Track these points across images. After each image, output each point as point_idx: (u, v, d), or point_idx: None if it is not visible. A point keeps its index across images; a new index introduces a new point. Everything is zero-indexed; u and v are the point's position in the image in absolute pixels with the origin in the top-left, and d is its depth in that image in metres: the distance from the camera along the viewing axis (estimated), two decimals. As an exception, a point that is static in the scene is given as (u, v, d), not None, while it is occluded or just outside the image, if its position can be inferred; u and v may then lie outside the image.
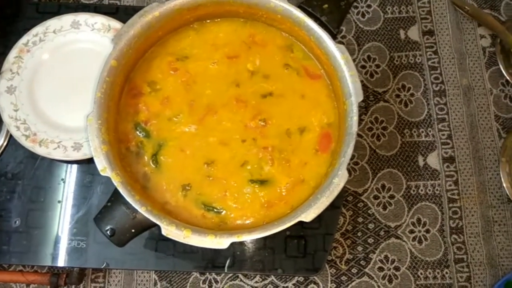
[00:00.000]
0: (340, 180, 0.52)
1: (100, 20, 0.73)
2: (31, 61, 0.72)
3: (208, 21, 0.62)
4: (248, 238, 0.50)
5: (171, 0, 0.56)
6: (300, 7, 0.57)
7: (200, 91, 0.60)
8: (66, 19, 0.73)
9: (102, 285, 0.78)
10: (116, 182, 0.50)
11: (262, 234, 0.50)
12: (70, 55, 0.73)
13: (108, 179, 0.52)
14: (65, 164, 0.71)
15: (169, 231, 0.50)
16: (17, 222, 0.69)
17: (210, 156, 0.58)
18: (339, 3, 0.58)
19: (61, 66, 0.73)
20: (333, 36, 0.57)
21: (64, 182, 0.70)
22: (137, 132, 0.59)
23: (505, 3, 0.93)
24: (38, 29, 0.73)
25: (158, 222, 0.50)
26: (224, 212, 0.57)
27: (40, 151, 0.68)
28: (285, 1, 0.57)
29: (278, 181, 0.58)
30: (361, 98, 0.53)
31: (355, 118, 0.53)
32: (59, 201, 0.69)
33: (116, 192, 0.52)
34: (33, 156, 0.70)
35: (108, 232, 0.52)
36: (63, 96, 0.71)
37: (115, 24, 0.72)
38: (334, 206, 0.69)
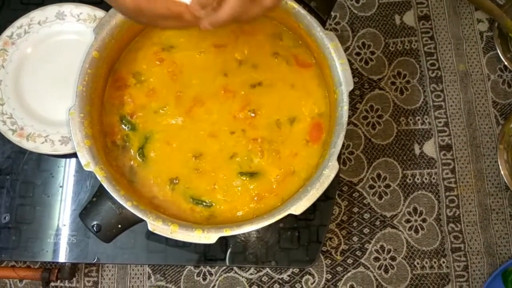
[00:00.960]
0: (330, 171, 0.50)
1: (85, 10, 0.71)
2: (16, 53, 0.71)
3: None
4: (237, 232, 0.49)
5: (154, -12, 0.54)
6: (288, -8, 0.55)
7: (186, 82, 0.58)
8: (51, 10, 0.72)
9: (95, 279, 0.77)
10: (100, 177, 0.49)
11: (251, 228, 0.49)
12: (56, 47, 0.72)
13: (97, 173, 0.51)
14: (53, 158, 0.70)
15: (156, 226, 0.49)
16: (6, 217, 0.68)
17: (198, 149, 0.57)
18: (329, -12, 0.56)
19: (47, 59, 0.71)
20: (323, 23, 0.55)
21: (53, 177, 0.69)
22: (123, 125, 0.57)
23: (503, -15, 0.91)
24: (23, 21, 0.71)
25: (144, 217, 0.49)
26: (213, 205, 0.56)
27: (28, 145, 0.67)
28: (272, -14, 0.55)
29: (268, 173, 0.57)
30: (351, 87, 0.52)
31: (346, 108, 0.52)
32: (48, 196, 0.69)
33: (101, 187, 0.51)
34: (21, 151, 0.69)
35: (94, 228, 0.51)
36: (50, 89, 0.70)
37: (101, 14, 0.71)
38: (327, 197, 0.69)
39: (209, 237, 0.49)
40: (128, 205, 0.49)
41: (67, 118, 0.63)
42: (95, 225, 0.51)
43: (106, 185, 0.49)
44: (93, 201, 0.52)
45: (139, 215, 0.49)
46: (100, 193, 0.51)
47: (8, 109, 0.69)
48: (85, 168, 0.50)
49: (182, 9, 0.40)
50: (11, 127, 0.68)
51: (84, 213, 0.52)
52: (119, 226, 0.51)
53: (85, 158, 0.50)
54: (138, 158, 0.56)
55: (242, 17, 0.40)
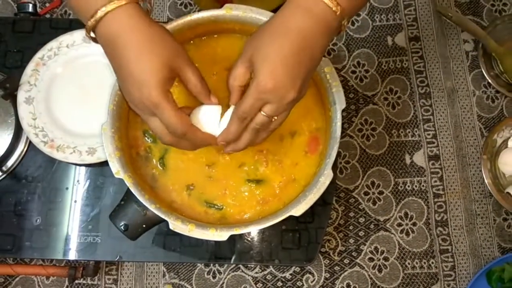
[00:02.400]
0: (325, 178, 0.57)
1: None
2: (47, 73, 0.77)
3: (206, 37, 0.68)
4: (245, 231, 0.56)
5: (173, 21, 0.62)
6: (289, 24, 0.63)
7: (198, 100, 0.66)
8: (78, 34, 0.78)
9: (115, 277, 0.84)
10: (129, 183, 0.57)
11: (257, 228, 0.56)
12: (83, 68, 0.78)
13: (120, 180, 0.57)
14: (80, 167, 0.77)
15: (176, 225, 0.56)
16: (38, 220, 0.74)
17: (211, 159, 0.64)
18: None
19: (75, 78, 0.78)
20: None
21: (79, 184, 0.76)
22: (146, 138, 0.65)
23: (487, 9, 0.99)
24: (52, 44, 0.78)
25: (166, 218, 0.56)
26: (224, 208, 0.63)
27: (58, 155, 0.73)
28: (276, 19, 0.63)
29: (272, 180, 0.63)
30: (343, 105, 0.59)
31: (339, 124, 0.59)
32: (75, 201, 0.75)
33: (128, 192, 0.58)
34: (51, 160, 0.75)
35: (122, 227, 0.58)
36: (77, 105, 0.77)
37: None
38: (325, 202, 0.75)
39: (221, 235, 0.56)
40: (152, 208, 0.56)
41: (95, 131, 0.72)
42: (123, 225, 0.58)
43: (133, 190, 0.56)
44: (121, 204, 0.59)
45: (162, 216, 0.56)
46: (127, 197, 0.59)
47: (40, 123, 0.76)
48: (116, 176, 0.57)
49: (212, 141, 0.54)
50: (42, 139, 0.75)
51: (113, 214, 0.59)
52: (144, 226, 0.58)
53: (115, 167, 0.57)
54: (159, 167, 0.64)
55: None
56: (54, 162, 0.76)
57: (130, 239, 0.59)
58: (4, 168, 0.76)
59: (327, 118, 0.64)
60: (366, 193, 0.90)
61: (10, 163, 0.77)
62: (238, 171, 0.64)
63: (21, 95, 0.76)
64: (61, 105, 0.77)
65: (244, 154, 0.64)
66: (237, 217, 0.63)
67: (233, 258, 0.73)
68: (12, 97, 0.77)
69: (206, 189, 0.63)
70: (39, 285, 0.84)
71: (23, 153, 0.77)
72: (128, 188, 0.57)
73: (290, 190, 0.63)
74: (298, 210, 0.57)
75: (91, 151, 0.74)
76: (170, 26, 0.62)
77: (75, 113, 0.77)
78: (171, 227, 0.56)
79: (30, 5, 0.85)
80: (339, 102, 0.60)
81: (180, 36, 0.65)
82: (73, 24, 0.83)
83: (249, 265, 0.84)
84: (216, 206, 0.63)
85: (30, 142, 0.76)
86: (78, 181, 0.76)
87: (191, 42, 0.68)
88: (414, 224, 0.89)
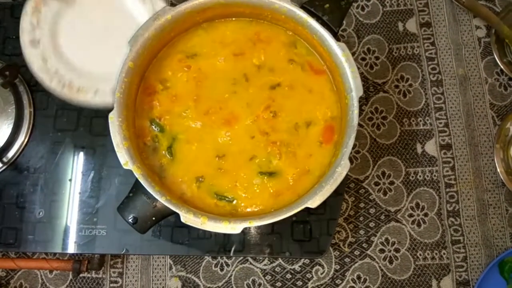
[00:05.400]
0: (342, 169, 0.56)
1: None
2: (49, 13, 0.70)
3: (216, 21, 0.66)
4: (259, 223, 0.54)
5: (182, 4, 0.60)
6: (302, 7, 0.61)
7: (210, 87, 0.63)
8: None
9: (120, 270, 0.83)
10: (138, 174, 0.55)
11: (272, 220, 0.54)
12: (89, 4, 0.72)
13: (125, 171, 0.55)
14: (84, 158, 0.75)
15: (188, 218, 0.54)
16: (41, 213, 0.73)
17: (221, 150, 0.62)
18: (340, 3, 0.61)
19: (81, 13, 0.71)
20: (334, 34, 0.61)
21: (83, 175, 0.74)
22: (153, 127, 0.63)
23: (500, -6, 0.96)
24: None
25: (177, 211, 0.54)
26: (235, 201, 0.61)
27: (80, 97, 0.67)
28: (289, 2, 0.60)
29: (285, 172, 0.61)
30: (361, 93, 0.57)
31: (356, 112, 0.57)
32: (79, 193, 0.73)
33: (137, 184, 0.56)
34: (54, 151, 0.74)
35: (131, 220, 0.56)
36: (90, 42, 0.70)
37: None
38: (337, 193, 0.73)
39: (235, 228, 0.54)
40: (162, 200, 0.54)
41: (115, 69, 0.64)
42: (132, 218, 0.56)
43: (143, 182, 0.54)
44: (129, 196, 0.57)
45: (173, 208, 0.54)
46: (136, 189, 0.57)
47: (52, 66, 0.68)
48: (124, 167, 0.55)
49: None
50: (59, 83, 0.68)
51: (121, 207, 0.57)
52: (153, 218, 0.56)
53: (124, 158, 0.55)
54: (168, 156, 0.61)
55: None
56: (56, 152, 0.75)
57: (139, 232, 0.57)
58: (4, 159, 0.74)
59: (342, 106, 0.62)
60: (376, 184, 0.88)
61: (11, 154, 0.74)
62: (249, 164, 0.62)
63: (25, 37, 0.69)
64: (71, 44, 0.70)
65: (256, 146, 0.62)
66: (248, 210, 0.61)
67: (242, 250, 0.72)
68: (11, 85, 0.74)
69: (216, 181, 0.62)
70: (42, 279, 0.82)
71: (24, 143, 0.75)
72: (137, 180, 0.55)
73: (304, 182, 0.61)
74: (314, 202, 0.55)
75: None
76: (179, 9, 0.60)
77: (89, 52, 0.70)
78: (182, 220, 0.54)
79: (29, -11, 0.81)
80: (356, 89, 0.58)
81: (189, 20, 0.62)
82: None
83: (257, 257, 0.83)
84: (227, 199, 0.61)
85: (31, 132, 0.74)
86: (82, 172, 0.75)
87: (201, 26, 0.65)
88: (426, 214, 0.87)
